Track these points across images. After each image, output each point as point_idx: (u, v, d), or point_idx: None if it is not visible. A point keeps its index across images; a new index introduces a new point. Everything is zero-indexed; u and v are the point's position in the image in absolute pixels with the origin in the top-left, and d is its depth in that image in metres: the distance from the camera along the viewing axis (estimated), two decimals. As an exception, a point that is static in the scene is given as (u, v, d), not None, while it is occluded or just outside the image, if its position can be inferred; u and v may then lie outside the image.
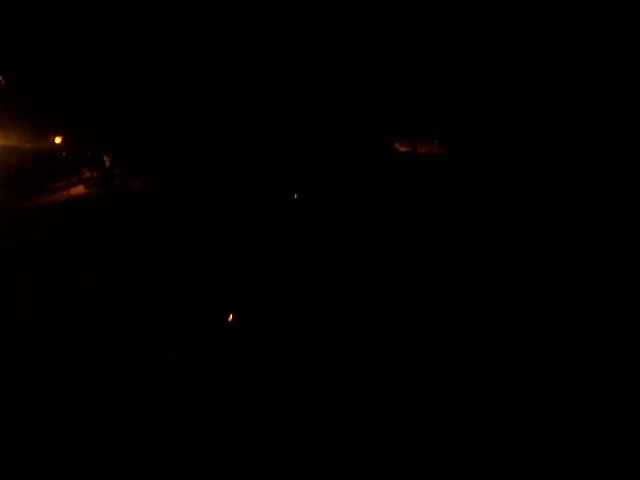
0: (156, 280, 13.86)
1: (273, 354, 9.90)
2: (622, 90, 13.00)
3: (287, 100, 16.48)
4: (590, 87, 12.99)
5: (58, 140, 22.11)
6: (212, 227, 18.47)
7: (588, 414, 7.54)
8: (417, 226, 13.77)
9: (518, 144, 14.54)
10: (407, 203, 15.48)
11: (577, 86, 13.47)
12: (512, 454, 7.61)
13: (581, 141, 13.30)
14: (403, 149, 21.13)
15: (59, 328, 12.21)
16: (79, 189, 23.29)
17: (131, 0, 16.56)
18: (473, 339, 9.06)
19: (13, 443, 7.96)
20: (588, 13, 12.74)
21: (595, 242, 11.47)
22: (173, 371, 9.56)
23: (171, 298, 12.75)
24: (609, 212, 12.25)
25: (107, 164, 23.06)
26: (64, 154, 22.64)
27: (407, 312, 10.29)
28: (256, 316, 11.48)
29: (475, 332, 9.21)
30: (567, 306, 9.55)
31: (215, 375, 9.30)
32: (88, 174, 23.20)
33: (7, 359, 10.62)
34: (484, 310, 9.70)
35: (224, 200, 18.86)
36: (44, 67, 17.76)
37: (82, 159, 22.62)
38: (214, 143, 19.75)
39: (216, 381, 9.09)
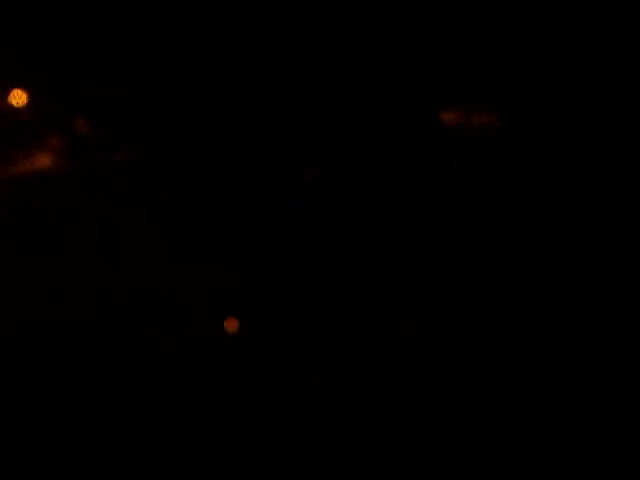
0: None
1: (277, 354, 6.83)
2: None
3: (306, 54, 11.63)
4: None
5: (23, 97, 15.95)
6: (218, 216, 12.89)
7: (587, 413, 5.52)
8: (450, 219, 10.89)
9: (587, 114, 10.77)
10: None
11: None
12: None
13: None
14: (449, 118, 15.70)
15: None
16: (43, 161, 17.33)
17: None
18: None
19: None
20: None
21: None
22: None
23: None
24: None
25: (83, 126, 17.02)
26: (22, 111, 16.56)
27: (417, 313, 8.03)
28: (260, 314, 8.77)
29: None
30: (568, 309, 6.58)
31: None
32: (56, 140, 17.25)
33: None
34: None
35: (231, 180, 13.17)
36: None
37: (48, 119, 16.55)
38: (224, 104, 13.41)
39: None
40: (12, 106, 9.98)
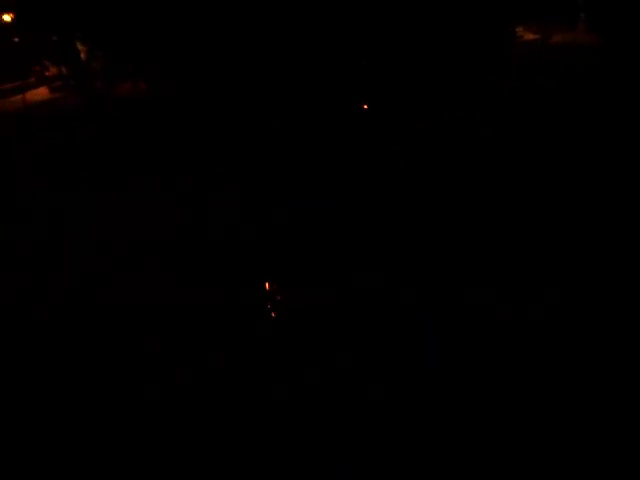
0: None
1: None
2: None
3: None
4: None
5: (8, 18, 14.68)
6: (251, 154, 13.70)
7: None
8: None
9: None
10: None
11: None
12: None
13: None
14: (530, 37, 16.42)
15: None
16: (40, 93, 16.12)
17: None
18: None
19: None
20: None
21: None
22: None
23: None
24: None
25: (83, 56, 15.97)
26: (17, 40, 15.21)
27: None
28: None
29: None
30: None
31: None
32: (54, 70, 16.04)
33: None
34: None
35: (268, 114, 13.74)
36: None
37: (44, 48, 15.41)
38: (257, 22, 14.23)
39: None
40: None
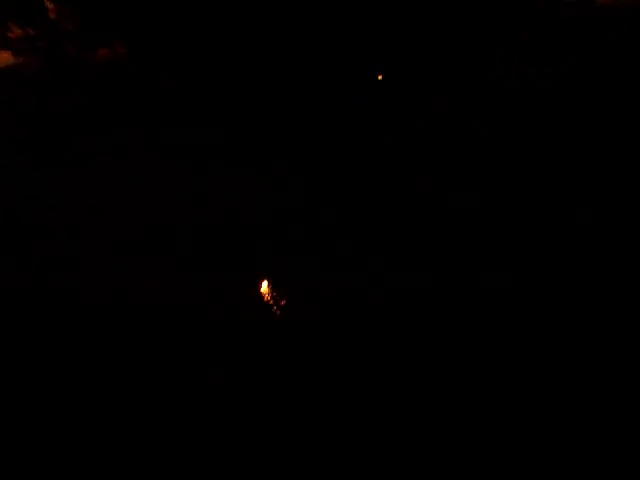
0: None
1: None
2: None
3: None
4: None
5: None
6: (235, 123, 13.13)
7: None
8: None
9: None
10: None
11: None
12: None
13: None
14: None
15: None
16: (2, 57, 14.28)
17: None
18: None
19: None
20: None
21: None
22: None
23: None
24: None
25: (53, 15, 14.16)
26: None
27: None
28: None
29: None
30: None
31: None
32: (18, 32, 14.21)
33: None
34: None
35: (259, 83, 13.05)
36: None
37: (7, 6, 13.53)
38: None
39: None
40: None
